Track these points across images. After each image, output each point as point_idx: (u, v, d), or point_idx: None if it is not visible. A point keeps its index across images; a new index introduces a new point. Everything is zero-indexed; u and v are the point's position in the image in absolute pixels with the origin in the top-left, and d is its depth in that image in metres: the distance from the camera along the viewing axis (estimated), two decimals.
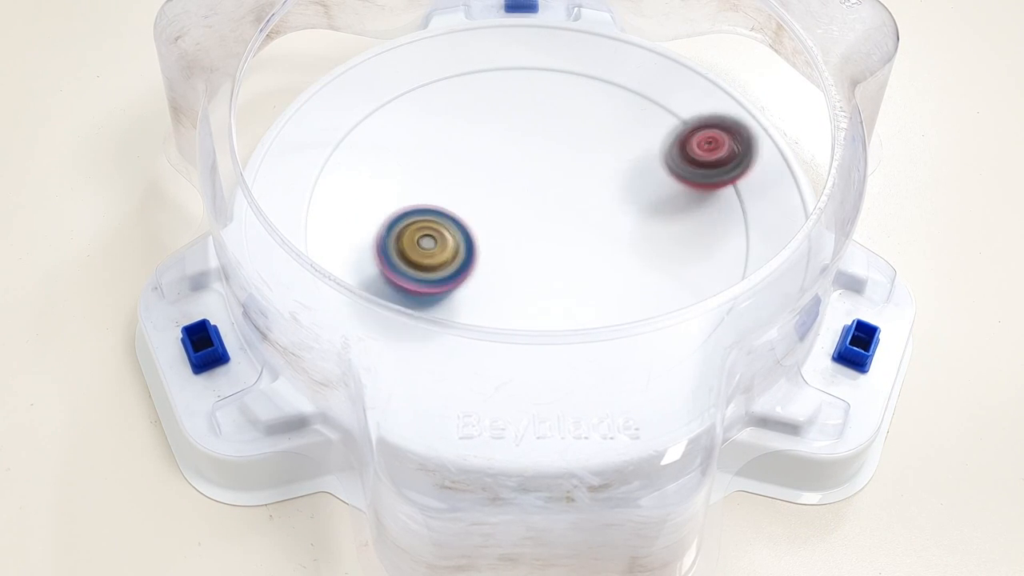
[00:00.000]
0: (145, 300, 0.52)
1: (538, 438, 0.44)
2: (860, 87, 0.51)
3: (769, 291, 0.46)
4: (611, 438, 0.44)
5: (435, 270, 0.48)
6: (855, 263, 0.53)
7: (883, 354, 0.51)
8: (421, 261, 0.48)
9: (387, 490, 0.43)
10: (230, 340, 0.50)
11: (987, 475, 0.51)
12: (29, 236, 0.57)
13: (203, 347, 0.50)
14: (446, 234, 0.48)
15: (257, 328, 0.49)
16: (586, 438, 0.44)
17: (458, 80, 0.58)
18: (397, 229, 0.48)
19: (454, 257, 0.48)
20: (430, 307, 0.49)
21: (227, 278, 0.50)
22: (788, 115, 0.61)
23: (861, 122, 0.50)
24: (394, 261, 0.48)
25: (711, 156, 0.53)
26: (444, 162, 0.55)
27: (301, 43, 0.60)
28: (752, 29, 0.59)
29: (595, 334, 0.44)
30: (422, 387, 0.45)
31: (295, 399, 0.48)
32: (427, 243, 0.48)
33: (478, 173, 0.55)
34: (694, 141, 0.53)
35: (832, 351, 0.51)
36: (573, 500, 0.43)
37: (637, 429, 0.44)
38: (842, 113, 0.51)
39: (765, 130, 0.56)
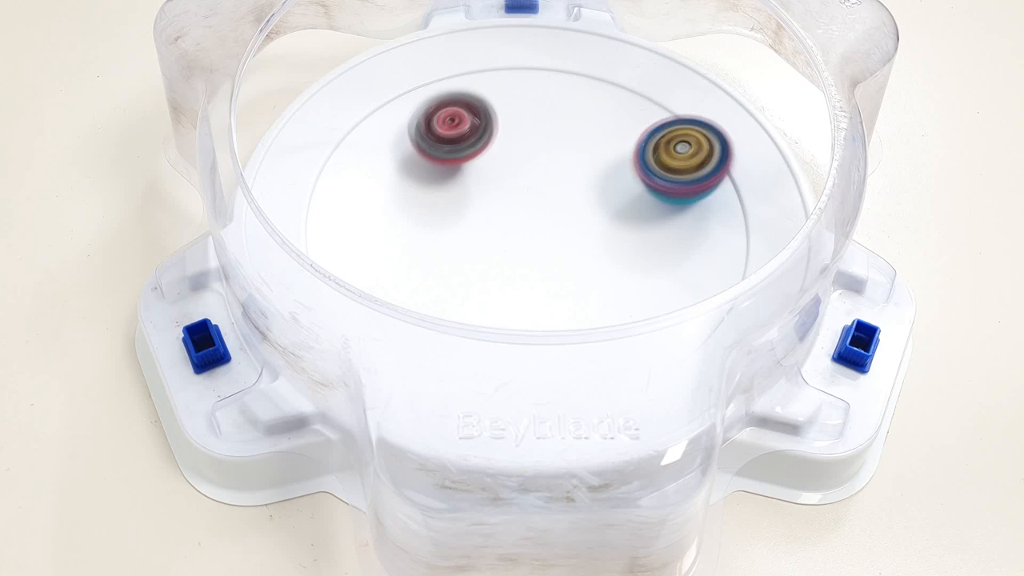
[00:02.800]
0: (145, 300, 0.52)
1: (538, 438, 0.44)
2: (860, 87, 0.51)
3: (769, 291, 0.46)
4: (611, 438, 0.44)
5: (691, 172, 0.52)
6: (855, 263, 0.53)
7: (883, 354, 0.51)
8: (676, 165, 0.52)
9: (387, 490, 0.43)
10: (230, 340, 0.50)
11: (987, 475, 0.51)
12: (29, 236, 0.57)
13: (204, 347, 0.50)
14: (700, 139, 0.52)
15: (257, 328, 0.49)
16: (586, 438, 0.44)
17: (458, 80, 0.58)
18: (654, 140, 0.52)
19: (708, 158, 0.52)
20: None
21: (227, 278, 0.50)
22: (788, 115, 0.61)
23: (861, 122, 0.50)
24: (653, 168, 0.52)
25: (453, 132, 0.54)
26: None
27: (301, 43, 0.60)
28: (752, 29, 0.59)
29: (595, 334, 0.44)
30: (422, 387, 0.45)
31: (295, 399, 0.48)
32: (682, 148, 0.52)
33: (477, 173, 0.55)
34: (438, 118, 0.54)
35: (832, 351, 0.51)
36: (573, 500, 0.43)
37: (637, 429, 0.44)
38: (842, 113, 0.51)
39: (765, 130, 0.56)
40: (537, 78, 0.58)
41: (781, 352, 0.48)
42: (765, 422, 0.49)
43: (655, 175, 0.52)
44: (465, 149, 0.54)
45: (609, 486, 0.43)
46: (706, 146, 0.52)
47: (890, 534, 0.49)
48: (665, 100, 0.57)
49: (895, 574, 0.49)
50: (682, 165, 0.52)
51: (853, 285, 0.53)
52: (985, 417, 0.53)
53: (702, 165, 0.52)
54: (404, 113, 0.57)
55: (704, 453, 0.44)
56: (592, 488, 0.43)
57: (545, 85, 0.58)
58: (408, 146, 0.55)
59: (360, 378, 0.45)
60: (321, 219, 0.53)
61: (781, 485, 0.50)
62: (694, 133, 0.53)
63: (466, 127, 0.53)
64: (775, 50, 0.58)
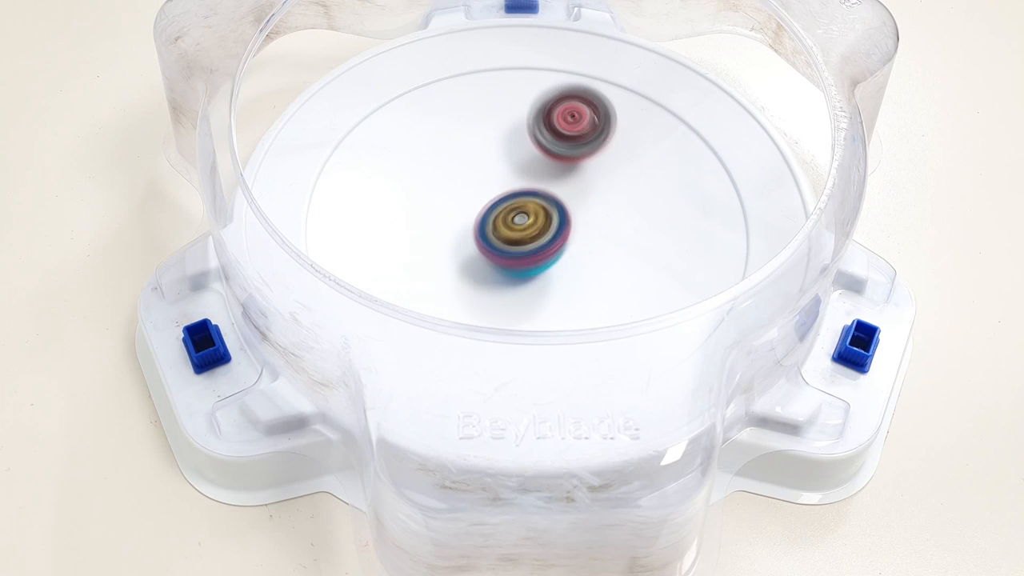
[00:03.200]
0: (145, 300, 0.52)
1: (538, 438, 0.44)
2: (860, 87, 0.51)
3: (769, 291, 0.46)
4: (611, 438, 0.44)
5: (528, 243, 0.50)
6: (855, 263, 0.53)
7: (883, 354, 0.51)
8: (514, 236, 0.50)
9: (387, 490, 0.43)
10: (230, 340, 0.50)
11: (987, 475, 0.51)
12: (29, 236, 0.57)
13: (205, 347, 0.50)
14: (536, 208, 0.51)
15: (257, 328, 0.49)
16: (586, 438, 0.44)
17: (458, 80, 0.58)
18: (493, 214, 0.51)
19: (546, 228, 0.51)
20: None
21: (227, 278, 0.50)
22: (788, 115, 0.61)
23: (861, 122, 0.50)
24: (492, 241, 0.51)
25: (573, 129, 0.54)
26: (444, 162, 0.55)
27: (301, 43, 0.60)
28: (752, 29, 0.59)
29: (595, 334, 0.44)
30: (422, 387, 0.45)
31: (295, 399, 0.48)
32: (520, 220, 0.51)
33: (478, 173, 0.55)
34: (557, 113, 0.54)
35: (832, 351, 0.51)
36: (573, 500, 0.43)
37: (637, 429, 0.44)
38: (842, 113, 0.51)
39: (765, 130, 0.56)
40: (537, 78, 0.58)
41: (781, 352, 0.48)
42: (765, 422, 0.49)
43: (495, 249, 0.50)
44: (584, 146, 0.54)
45: (609, 486, 0.43)
46: (542, 215, 0.51)
47: (890, 534, 0.49)
48: (665, 100, 0.57)
49: (895, 574, 0.49)
50: (521, 236, 0.50)
51: (853, 285, 0.53)
52: (985, 417, 0.53)
53: (540, 235, 0.50)
54: (404, 113, 0.57)
55: (704, 453, 0.44)
56: (592, 488, 0.43)
57: (545, 85, 0.58)
58: (408, 146, 0.55)
59: (360, 378, 0.45)
60: (321, 219, 0.53)
61: (781, 485, 0.50)
62: (531, 204, 0.51)
63: (586, 124, 0.54)
64: (775, 50, 0.58)
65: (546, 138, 0.54)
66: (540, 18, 0.61)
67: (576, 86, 0.55)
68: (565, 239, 0.51)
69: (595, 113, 0.54)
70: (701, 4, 0.59)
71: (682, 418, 0.44)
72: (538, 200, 0.51)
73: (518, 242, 0.50)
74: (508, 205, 0.51)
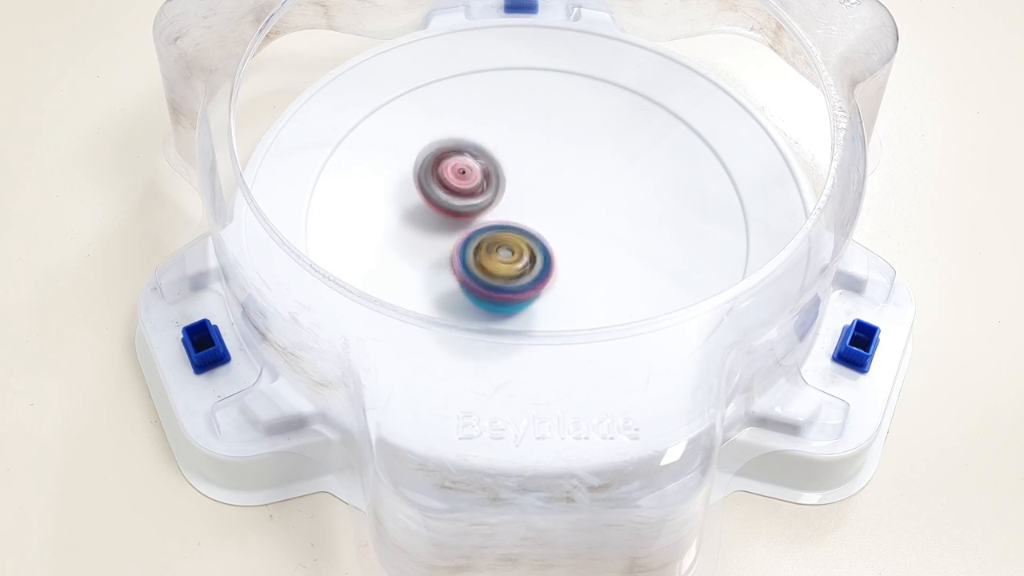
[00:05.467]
0: (145, 300, 0.52)
1: (538, 438, 0.44)
2: (860, 87, 0.51)
3: (769, 291, 0.46)
4: (611, 438, 0.44)
5: (516, 279, 0.48)
6: (855, 263, 0.53)
7: (883, 354, 0.51)
8: (499, 271, 0.48)
9: (387, 490, 0.43)
10: (230, 340, 0.50)
11: (987, 475, 0.51)
12: (29, 236, 0.57)
13: (204, 347, 0.50)
14: (522, 245, 0.49)
15: (257, 328, 0.49)
16: (586, 438, 0.44)
17: (458, 80, 0.58)
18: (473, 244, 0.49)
19: (532, 266, 0.49)
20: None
21: (227, 278, 0.50)
22: (788, 115, 0.61)
23: (861, 122, 0.50)
24: (475, 274, 0.48)
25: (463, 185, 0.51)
26: None
27: (301, 43, 0.60)
28: (752, 29, 0.59)
29: (595, 334, 0.44)
30: (422, 387, 0.45)
31: (295, 399, 0.48)
32: (504, 254, 0.48)
33: None
34: (447, 167, 0.51)
35: (832, 351, 0.51)
36: (573, 500, 0.43)
37: (637, 429, 0.44)
38: (842, 113, 0.51)
39: (765, 130, 0.56)
40: (537, 78, 0.58)
41: (781, 352, 0.48)
42: (765, 422, 0.49)
43: (478, 281, 0.48)
44: (476, 202, 0.52)
45: (609, 486, 0.43)
46: (528, 253, 0.49)
47: (890, 534, 0.49)
48: (665, 100, 0.57)
49: (895, 574, 0.49)
50: (506, 271, 0.48)
51: (853, 285, 0.53)
52: (985, 417, 0.53)
53: (524, 273, 0.48)
54: (404, 113, 0.57)
55: (704, 453, 0.44)
56: (592, 488, 0.43)
57: (545, 85, 0.58)
58: (408, 146, 0.55)
59: (360, 378, 0.45)
60: (321, 219, 0.53)
61: (781, 485, 0.50)
62: (513, 239, 0.49)
63: (476, 180, 0.51)
64: (775, 50, 0.58)
65: (436, 193, 0.52)
66: (540, 18, 0.61)
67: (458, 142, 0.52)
68: (548, 280, 0.49)
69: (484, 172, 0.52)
70: (701, 4, 0.59)
71: (682, 418, 0.44)
72: (523, 237, 0.49)
73: (503, 277, 0.48)
74: (488, 237, 0.49)
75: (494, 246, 0.48)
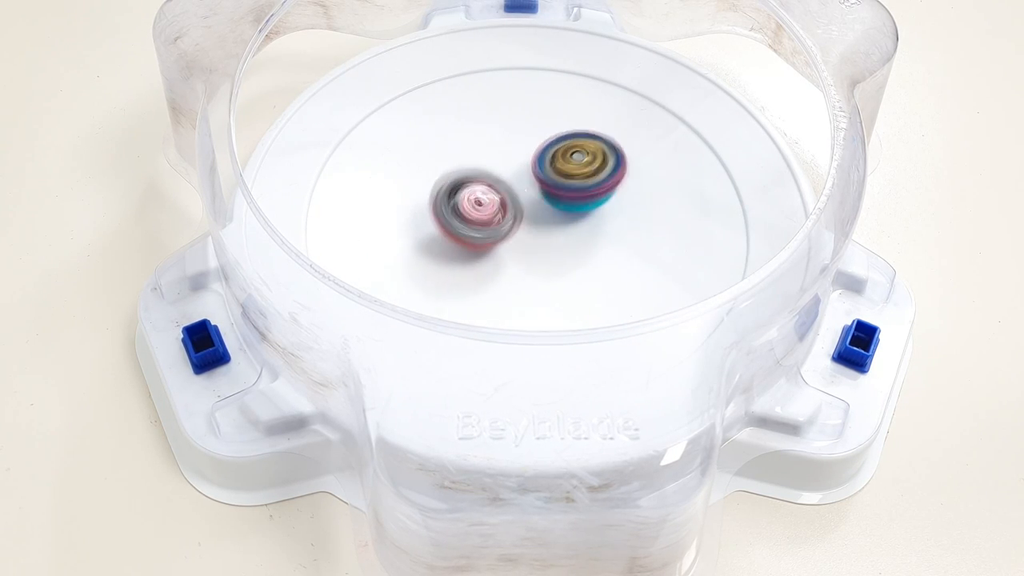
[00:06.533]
0: (145, 300, 0.52)
1: (538, 438, 0.44)
2: (860, 87, 0.51)
3: (769, 291, 0.46)
4: (611, 438, 0.44)
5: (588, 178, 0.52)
6: (855, 263, 0.53)
7: (883, 354, 0.51)
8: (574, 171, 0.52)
9: (387, 490, 0.43)
10: (230, 340, 0.50)
11: (987, 475, 0.51)
12: (29, 236, 0.57)
13: (204, 347, 0.50)
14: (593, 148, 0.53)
15: (257, 328, 0.49)
16: (586, 438, 0.44)
17: (458, 80, 0.58)
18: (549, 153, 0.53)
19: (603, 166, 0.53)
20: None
21: (227, 278, 0.50)
22: (788, 115, 0.61)
23: (861, 122, 0.50)
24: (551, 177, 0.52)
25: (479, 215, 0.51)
26: (444, 162, 0.55)
27: (301, 43, 0.60)
28: (752, 29, 0.59)
29: (595, 334, 0.44)
30: (422, 387, 0.45)
31: (295, 399, 0.48)
32: (578, 157, 0.53)
33: None
34: (464, 196, 0.51)
35: (832, 351, 0.51)
36: (573, 500, 0.43)
37: (637, 429, 0.44)
38: (842, 113, 0.51)
39: (765, 130, 0.56)
40: (537, 78, 0.58)
41: (781, 352, 0.48)
42: (765, 422, 0.49)
43: (550, 181, 0.52)
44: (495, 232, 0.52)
45: (609, 486, 0.43)
46: (600, 156, 0.52)
47: (890, 534, 0.49)
48: (665, 100, 0.57)
49: (895, 574, 0.49)
50: (577, 171, 0.52)
51: (853, 285, 0.53)
52: (985, 417, 0.53)
53: (596, 173, 0.52)
54: (404, 113, 0.57)
55: (704, 453, 0.44)
56: (592, 488, 0.43)
57: (545, 85, 0.58)
58: (408, 146, 0.55)
59: (359, 378, 0.45)
60: (321, 219, 0.53)
61: (781, 485, 0.50)
62: (590, 145, 0.53)
63: (494, 210, 0.51)
64: (775, 50, 0.58)
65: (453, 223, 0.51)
66: (540, 18, 0.61)
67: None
68: (619, 180, 0.52)
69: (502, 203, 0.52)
70: (701, 4, 0.59)
71: (682, 418, 0.44)
72: (596, 141, 0.53)
73: (574, 176, 0.52)
74: (566, 144, 0.53)
75: (569, 151, 0.53)
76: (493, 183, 0.52)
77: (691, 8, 0.60)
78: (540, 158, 0.53)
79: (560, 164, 0.52)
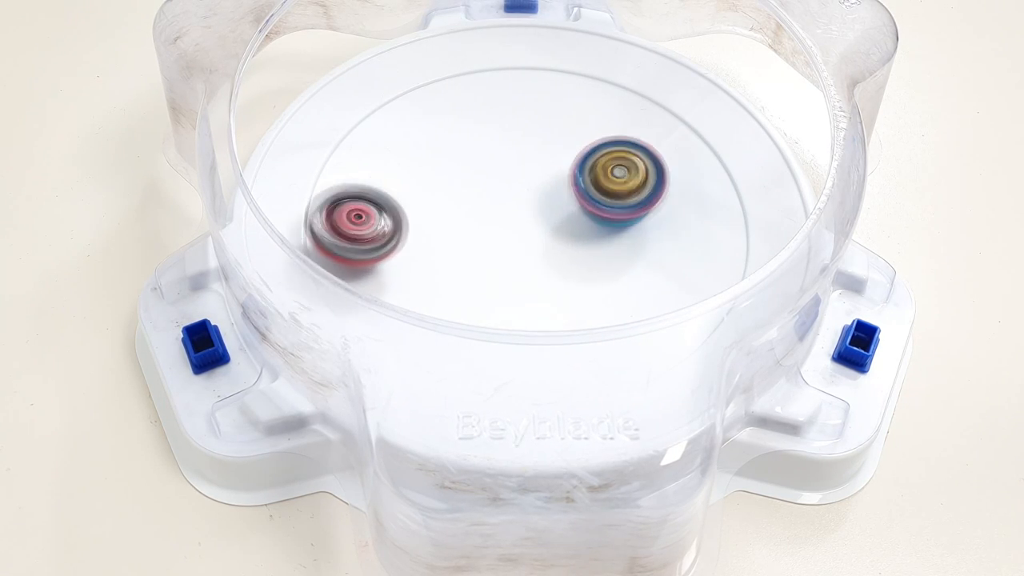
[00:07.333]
0: (145, 300, 0.52)
1: (538, 438, 0.44)
2: (860, 87, 0.51)
3: (769, 291, 0.46)
4: (611, 438, 0.44)
5: (628, 196, 0.51)
6: (855, 263, 0.53)
7: (883, 354, 0.51)
8: (614, 188, 0.51)
9: (387, 490, 0.43)
10: (230, 340, 0.50)
11: (987, 475, 0.51)
12: (29, 236, 0.57)
13: (204, 347, 0.50)
14: (636, 162, 0.52)
15: (257, 328, 0.49)
16: (586, 438, 0.44)
17: (458, 80, 0.58)
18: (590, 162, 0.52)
19: (644, 183, 0.52)
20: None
21: (226, 278, 0.50)
22: (788, 115, 0.61)
23: (861, 122, 0.50)
24: (590, 192, 0.52)
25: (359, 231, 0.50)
26: (444, 162, 0.55)
27: (301, 43, 0.60)
28: (751, 29, 0.59)
29: (595, 334, 0.44)
30: (422, 387, 0.45)
31: (295, 399, 0.48)
32: (619, 172, 0.52)
33: (478, 173, 0.55)
34: (343, 212, 0.50)
35: (832, 351, 0.51)
36: (573, 500, 0.43)
37: (637, 429, 0.44)
38: (842, 113, 0.51)
39: (765, 130, 0.56)
40: (537, 78, 0.58)
41: (781, 352, 0.48)
42: (765, 422, 0.49)
43: (593, 200, 0.52)
44: (375, 250, 0.50)
45: (609, 486, 0.43)
46: (642, 168, 0.52)
47: (890, 534, 0.49)
48: (665, 100, 0.57)
49: (895, 574, 0.49)
50: (620, 189, 0.51)
51: (853, 285, 0.53)
52: (985, 417, 0.53)
53: (639, 189, 0.52)
54: (404, 113, 0.57)
55: (704, 453, 0.44)
56: (592, 488, 0.43)
57: (545, 85, 0.58)
58: (408, 146, 0.55)
59: (360, 378, 0.45)
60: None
61: (781, 485, 0.50)
62: (629, 155, 0.52)
63: (373, 226, 0.50)
64: (775, 50, 0.58)
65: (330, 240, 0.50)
66: (540, 18, 0.61)
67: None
68: (660, 197, 0.52)
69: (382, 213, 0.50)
70: (701, 4, 0.59)
71: (682, 418, 0.44)
72: (640, 154, 0.52)
73: (616, 195, 0.51)
74: (608, 153, 0.52)
75: (610, 164, 0.51)
76: (371, 198, 0.50)
77: (691, 8, 0.60)
78: (580, 167, 0.52)
79: (602, 180, 0.51)
